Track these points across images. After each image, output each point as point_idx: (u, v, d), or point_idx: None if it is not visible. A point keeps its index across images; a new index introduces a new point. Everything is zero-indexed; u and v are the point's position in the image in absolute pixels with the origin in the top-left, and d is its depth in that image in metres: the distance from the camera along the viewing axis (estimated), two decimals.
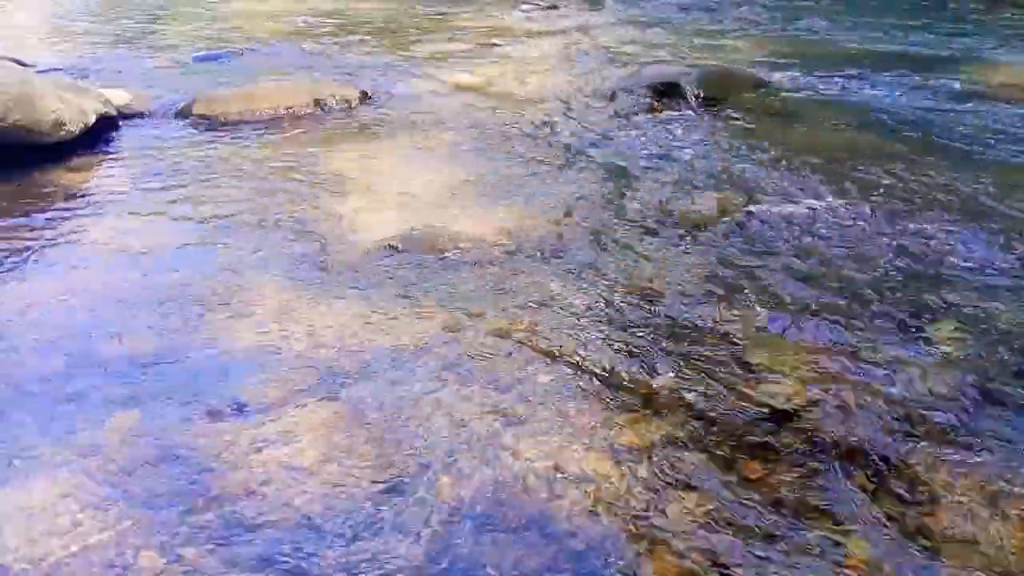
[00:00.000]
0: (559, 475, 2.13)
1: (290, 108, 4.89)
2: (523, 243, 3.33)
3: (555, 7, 8.04)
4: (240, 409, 2.36)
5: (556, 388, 2.47)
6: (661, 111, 4.85)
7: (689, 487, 2.10)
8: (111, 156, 4.30)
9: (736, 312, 2.84)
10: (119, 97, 4.79)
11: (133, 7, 8.02)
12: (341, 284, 3.03)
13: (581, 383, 2.49)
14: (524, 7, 7.97)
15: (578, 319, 2.82)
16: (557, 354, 2.63)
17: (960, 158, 4.10)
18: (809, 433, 2.27)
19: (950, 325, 2.71)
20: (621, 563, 1.88)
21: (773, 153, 4.19)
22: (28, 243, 3.36)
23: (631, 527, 1.98)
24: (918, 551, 1.90)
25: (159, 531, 1.95)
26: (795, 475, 2.13)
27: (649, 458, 2.19)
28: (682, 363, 2.58)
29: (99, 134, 4.44)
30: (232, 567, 1.86)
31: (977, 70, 5.62)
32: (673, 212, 3.58)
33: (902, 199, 3.63)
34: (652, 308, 2.88)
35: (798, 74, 5.58)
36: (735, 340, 2.68)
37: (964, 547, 1.91)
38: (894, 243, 3.26)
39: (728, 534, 1.95)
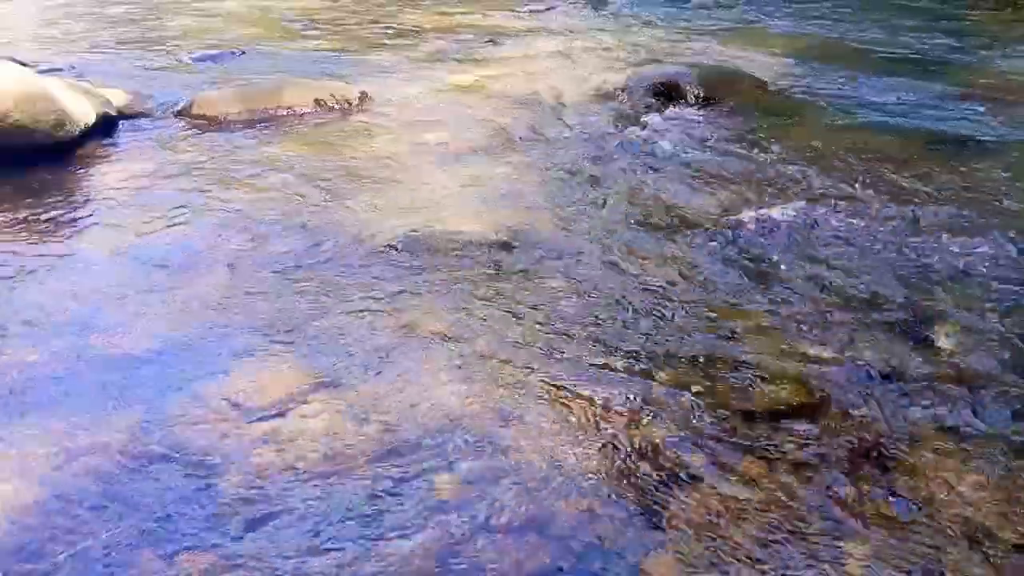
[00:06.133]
0: (558, 473, 2.13)
1: (290, 108, 4.88)
2: (524, 243, 3.33)
3: (555, 7, 8.03)
4: (238, 409, 2.36)
5: (556, 387, 2.47)
6: (661, 111, 4.84)
7: (689, 487, 2.10)
8: (111, 156, 4.30)
9: (735, 312, 2.84)
10: (119, 97, 4.78)
11: (133, 7, 8.01)
12: (340, 284, 3.03)
13: (581, 382, 2.49)
14: (524, 7, 7.96)
15: (578, 318, 2.82)
16: (557, 353, 2.63)
17: (960, 158, 4.10)
18: (809, 433, 2.27)
19: (951, 325, 2.71)
20: (621, 563, 1.88)
21: (773, 153, 4.18)
22: (28, 243, 3.36)
23: (630, 527, 1.98)
24: (918, 551, 1.90)
25: None
26: (795, 475, 2.13)
27: (648, 457, 2.19)
28: (682, 363, 2.58)
29: (99, 134, 4.44)
30: None
31: (977, 70, 5.61)
32: (673, 212, 3.58)
33: (902, 199, 3.63)
34: (652, 307, 2.88)
35: (798, 74, 5.57)
36: (735, 340, 2.69)
37: (965, 547, 1.91)
38: (894, 243, 3.26)
39: (728, 534, 1.95)
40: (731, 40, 6.52)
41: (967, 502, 2.04)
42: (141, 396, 2.43)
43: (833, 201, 3.60)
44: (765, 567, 1.87)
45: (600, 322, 2.80)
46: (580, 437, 2.27)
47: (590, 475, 2.13)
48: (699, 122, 4.71)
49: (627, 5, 7.86)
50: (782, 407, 2.38)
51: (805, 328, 2.74)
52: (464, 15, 7.65)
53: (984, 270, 3.05)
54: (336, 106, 4.96)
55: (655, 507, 2.04)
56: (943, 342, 2.64)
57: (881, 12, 7.34)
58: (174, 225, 3.51)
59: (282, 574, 1.86)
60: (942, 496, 2.06)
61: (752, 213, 3.50)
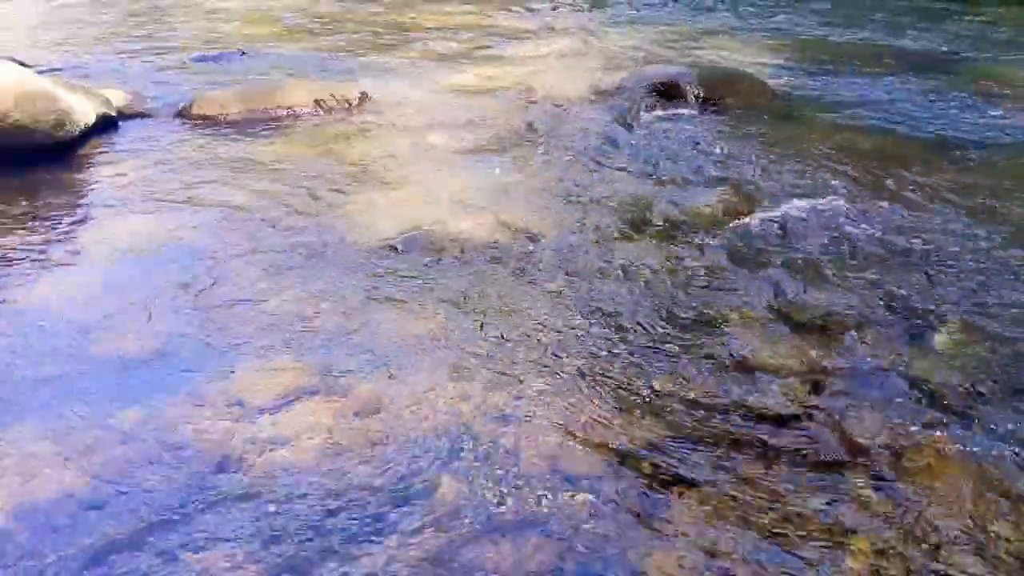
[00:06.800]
0: (558, 474, 2.13)
1: (290, 108, 4.88)
2: (523, 243, 3.33)
3: (555, 7, 8.03)
4: (238, 407, 2.36)
5: (556, 388, 2.47)
6: (661, 111, 4.84)
7: (689, 487, 2.10)
8: (111, 157, 4.29)
9: (736, 312, 2.84)
10: (119, 97, 4.78)
11: (133, 7, 8.02)
12: (340, 284, 3.03)
13: (581, 383, 2.49)
14: (524, 7, 7.96)
15: (578, 319, 2.82)
16: (557, 354, 2.63)
17: (960, 158, 4.10)
18: (810, 433, 2.27)
19: (952, 325, 2.71)
20: (621, 563, 1.88)
21: (773, 153, 4.18)
22: (28, 243, 3.36)
23: (631, 527, 1.98)
24: (919, 551, 1.90)
25: None
26: (795, 475, 2.13)
27: (649, 458, 2.19)
28: (682, 363, 2.58)
29: (99, 134, 4.44)
30: None
31: (976, 70, 5.61)
32: (673, 212, 3.58)
33: (902, 199, 3.63)
34: (652, 308, 2.88)
35: (798, 74, 5.58)
36: (735, 340, 2.69)
37: (965, 547, 1.91)
38: (895, 242, 3.26)
39: (728, 534, 1.95)
40: (731, 40, 6.52)
41: (968, 502, 2.04)
42: (141, 395, 2.43)
43: (833, 201, 3.60)
44: (765, 568, 1.87)
45: (600, 322, 2.80)
46: (580, 437, 2.27)
47: (589, 475, 2.13)
48: (699, 122, 4.71)
49: (627, 5, 7.87)
50: (782, 407, 2.37)
51: (805, 328, 2.74)
52: (464, 15, 7.65)
53: (984, 270, 3.05)
54: (336, 106, 4.96)
55: (655, 507, 2.04)
56: (944, 342, 2.64)
57: (881, 13, 7.34)
58: (174, 225, 3.51)
59: (282, 574, 1.86)
60: (942, 497, 2.06)
61: (752, 213, 3.50)
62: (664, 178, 3.93)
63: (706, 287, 3.01)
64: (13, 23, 7.33)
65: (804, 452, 2.21)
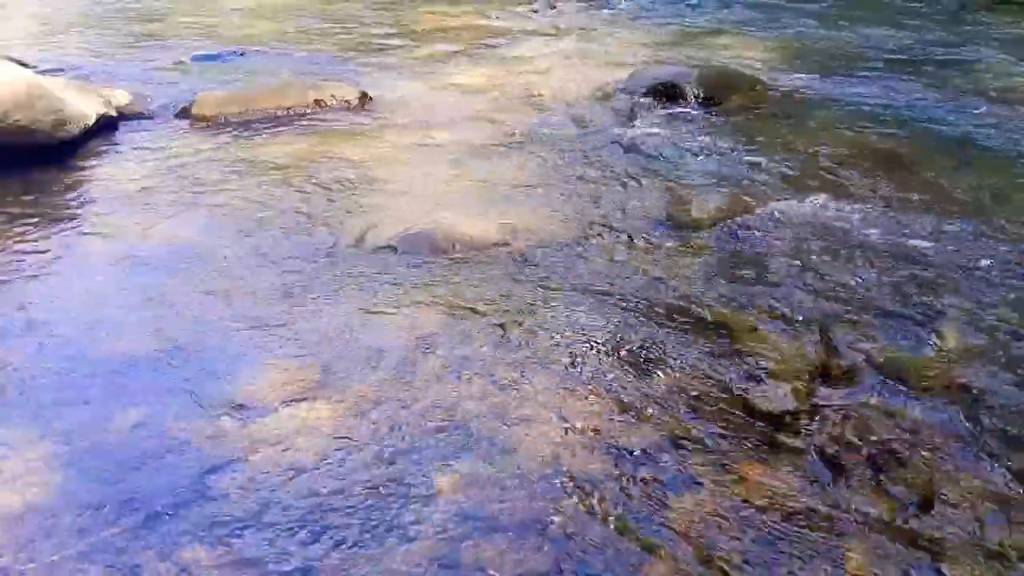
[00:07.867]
0: (558, 474, 2.13)
1: (290, 108, 4.88)
2: (523, 244, 3.33)
3: (555, 7, 8.03)
4: (238, 408, 2.37)
5: (556, 387, 2.47)
6: (661, 111, 4.84)
7: (689, 488, 2.10)
8: (111, 157, 4.30)
9: (736, 312, 2.84)
10: (119, 97, 4.78)
11: (132, 7, 8.02)
12: (339, 284, 3.03)
13: (581, 382, 2.49)
14: (524, 7, 7.96)
15: (577, 318, 2.82)
16: (557, 353, 2.63)
17: (959, 158, 4.10)
18: (809, 433, 2.28)
19: (951, 325, 2.72)
20: (621, 564, 1.88)
21: (773, 153, 4.18)
22: (28, 244, 3.36)
23: (631, 527, 1.98)
24: (918, 552, 1.90)
25: None
26: (795, 476, 2.13)
27: (649, 458, 2.19)
28: (682, 363, 2.58)
29: (99, 134, 4.44)
30: None
31: (976, 70, 5.61)
32: (673, 212, 3.59)
33: (902, 199, 3.63)
34: (651, 307, 2.88)
35: (798, 74, 5.57)
36: (735, 340, 2.69)
37: (964, 548, 1.91)
38: (894, 243, 3.26)
39: (728, 535, 1.96)
40: (731, 40, 6.52)
41: (968, 503, 2.04)
42: (141, 395, 2.44)
43: (833, 201, 3.60)
44: (765, 568, 1.87)
45: (599, 321, 2.80)
46: (579, 437, 2.27)
47: (589, 475, 2.13)
48: (699, 122, 4.71)
49: (627, 5, 7.86)
50: (782, 407, 2.38)
51: (804, 328, 2.74)
52: (464, 15, 7.65)
53: (983, 269, 3.05)
54: (336, 106, 4.96)
55: (655, 507, 2.04)
56: (943, 342, 2.64)
57: (881, 13, 7.34)
58: (173, 225, 3.51)
59: (283, 573, 1.86)
60: (942, 498, 2.06)
61: (751, 213, 3.50)
62: (664, 178, 3.93)
63: (706, 287, 3.01)
64: (13, 23, 7.33)
65: (804, 452, 2.21)
